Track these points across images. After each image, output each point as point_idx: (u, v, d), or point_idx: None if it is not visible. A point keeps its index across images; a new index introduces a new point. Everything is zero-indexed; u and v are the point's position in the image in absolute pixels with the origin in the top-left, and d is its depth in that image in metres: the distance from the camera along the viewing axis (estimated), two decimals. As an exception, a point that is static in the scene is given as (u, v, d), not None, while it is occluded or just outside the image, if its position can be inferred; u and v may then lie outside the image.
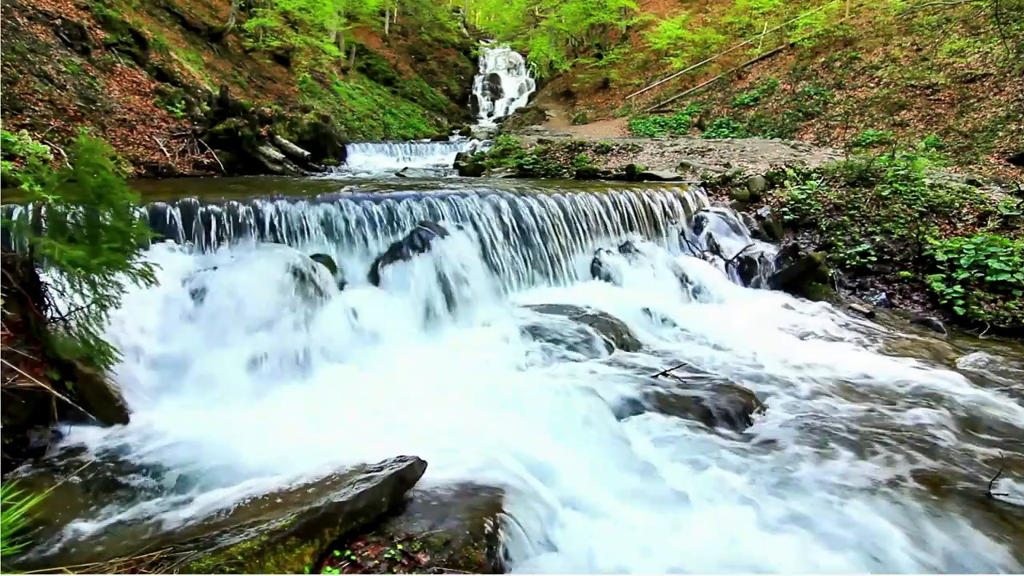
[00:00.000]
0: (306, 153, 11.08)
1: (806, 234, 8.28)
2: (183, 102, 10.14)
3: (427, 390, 4.12)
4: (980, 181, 9.41)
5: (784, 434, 3.83)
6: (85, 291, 3.29)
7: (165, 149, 9.04)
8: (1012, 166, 11.96)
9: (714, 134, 17.49)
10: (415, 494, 2.83)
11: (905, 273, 7.32)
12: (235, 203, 5.21)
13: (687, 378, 4.55)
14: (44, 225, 3.41)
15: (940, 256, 7.07)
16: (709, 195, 8.99)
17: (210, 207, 5.08)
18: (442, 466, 3.03)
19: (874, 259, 7.53)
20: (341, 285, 5.13)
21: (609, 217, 7.43)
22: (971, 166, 12.05)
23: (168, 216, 4.89)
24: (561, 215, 6.96)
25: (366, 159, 13.62)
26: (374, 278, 5.43)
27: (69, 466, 3.11)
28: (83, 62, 9.03)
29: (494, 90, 30.20)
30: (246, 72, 16.82)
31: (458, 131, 22.51)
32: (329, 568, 2.36)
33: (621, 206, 7.62)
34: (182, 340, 4.18)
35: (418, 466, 2.90)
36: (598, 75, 25.15)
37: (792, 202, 8.57)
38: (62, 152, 7.25)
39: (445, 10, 32.73)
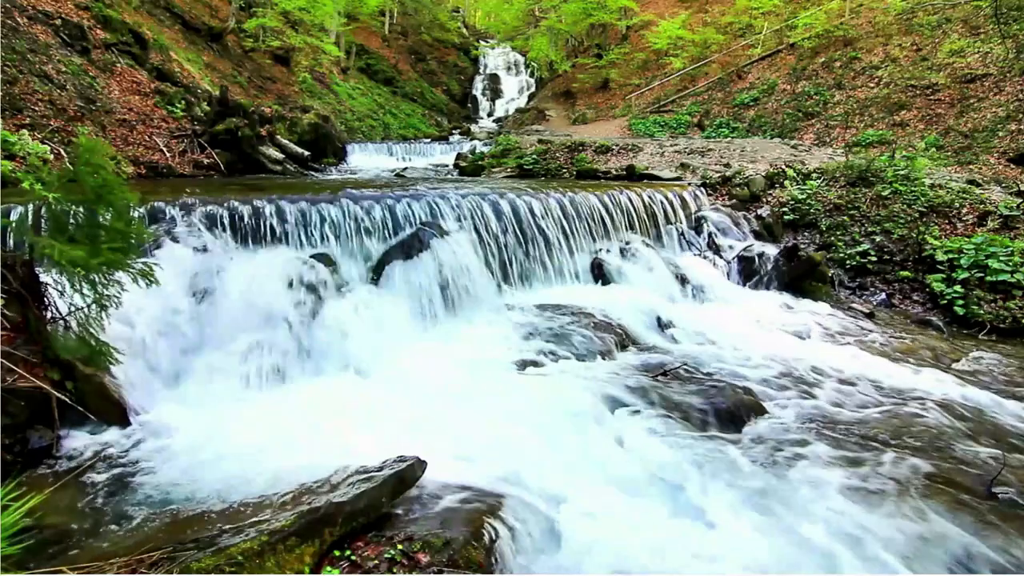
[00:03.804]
0: (306, 153, 11.08)
1: (806, 234, 8.28)
2: (183, 102, 10.14)
3: (427, 390, 4.12)
4: (980, 181, 9.41)
5: (783, 434, 3.83)
6: (85, 291, 3.29)
7: (165, 149, 9.04)
8: (1012, 166, 11.96)
9: (714, 134, 17.49)
10: (415, 494, 2.83)
11: (905, 273, 7.32)
12: (235, 203, 5.21)
13: (686, 378, 4.55)
14: (44, 225, 3.41)
15: (940, 256, 7.06)
16: (709, 195, 8.99)
17: (210, 207, 5.08)
18: (442, 466, 3.03)
19: (874, 259, 7.53)
20: (341, 285, 5.13)
21: (609, 217, 7.43)
22: (971, 166, 12.04)
23: (168, 215, 4.89)
24: (561, 215, 6.96)
25: (366, 159, 13.62)
26: (374, 278, 5.43)
27: (69, 466, 3.11)
28: (83, 62, 9.03)
29: (494, 90, 30.20)
30: (246, 72, 16.82)
31: (458, 131, 22.50)
32: (329, 568, 2.36)
33: (621, 206, 7.62)
34: (183, 340, 4.18)
35: (418, 466, 2.90)
36: (598, 75, 25.15)
37: (792, 202, 8.56)
38: (62, 152, 7.25)
39: (445, 10, 32.72)
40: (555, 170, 11.08)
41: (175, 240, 4.77)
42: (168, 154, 9.01)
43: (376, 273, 5.46)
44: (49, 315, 3.45)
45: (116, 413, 3.52)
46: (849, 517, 2.94)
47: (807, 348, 5.53)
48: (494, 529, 2.63)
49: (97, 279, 3.28)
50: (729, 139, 15.01)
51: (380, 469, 2.81)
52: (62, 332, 3.40)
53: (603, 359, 4.96)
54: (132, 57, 10.32)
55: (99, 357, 3.42)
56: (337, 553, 2.44)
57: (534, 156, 11.42)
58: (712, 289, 7.01)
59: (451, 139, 18.79)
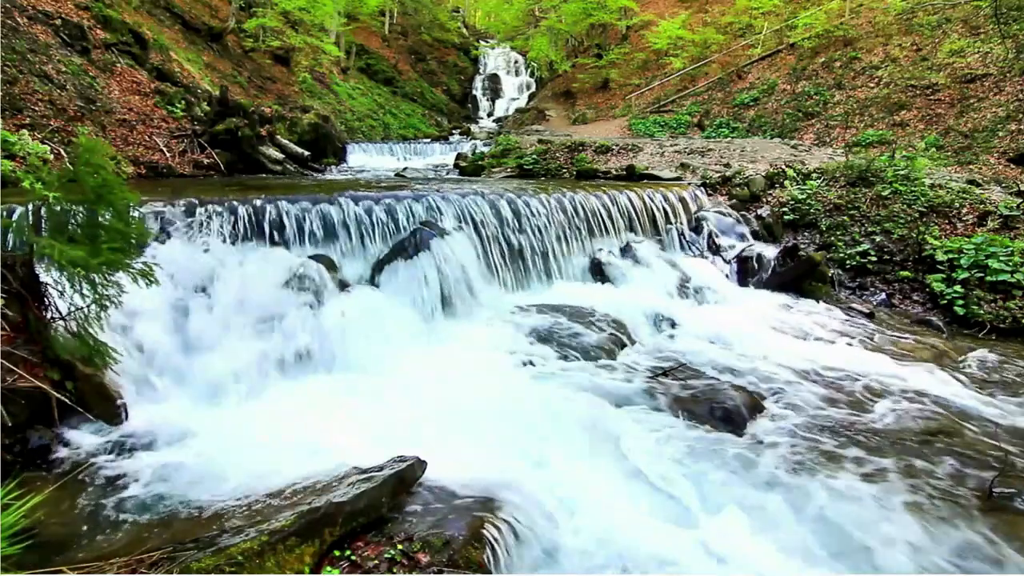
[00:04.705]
0: (306, 153, 11.08)
1: (806, 234, 8.28)
2: (183, 102, 10.14)
3: (426, 391, 4.12)
4: (980, 181, 9.41)
5: (784, 434, 3.83)
6: (85, 291, 3.29)
7: (165, 149, 9.04)
8: (1012, 166, 11.96)
9: (714, 134, 17.49)
10: (415, 494, 2.84)
11: (905, 273, 7.32)
12: (235, 203, 5.20)
13: (687, 378, 4.55)
14: (44, 225, 3.41)
15: (940, 256, 7.06)
16: (709, 195, 8.99)
17: (210, 207, 5.08)
18: (442, 466, 3.03)
19: (874, 259, 7.53)
20: (341, 285, 5.13)
21: (609, 217, 7.42)
22: (971, 166, 12.04)
23: (168, 215, 4.89)
24: (561, 215, 6.95)
25: (366, 159, 13.62)
26: (374, 278, 5.43)
27: (69, 466, 3.11)
28: (83, 62, 9.03)
29: (494, 90, 30.19)
30: (246, 72, 16.82)
31: (458, 131, 22.51)
32: (329, 568, 2.36)
33: (621, 206, 7.61)
34: (182, 340, 4.18)
35: (418, 466, 2.90)
36: (598, 75, 25.15)
37: (792, 202, 8.56)
38: (62, 152, 7.25)
39: (445, 10, 32.73)
40: (555, 170, 11.08)
41: (175, 240, 4.77)
42: (168, 154, 9.01)
43: (376, 273, 5.46)
44: (49, 315, 3.44)
45: (115, 413, 3.52)
46: (848, 517, 2.94)
47: (807, 348, 5.53)
48: (494, 529, 2.63)
49: (97, 279, 3.28)
50: (729, 139, 15.01)
51: (380, 469, 2.81)
52: (62, 332, 3.40)
53: (603, 359, 4.96)
54: (132, 57, 10.32)
55: (98, 357, 3.42)
56: (337, 553, 2.44)
57: (534, 156, 11.42)
58: (712, 289, 7.00)
59: (451, 139, 18.79)
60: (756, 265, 7.52)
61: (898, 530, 2.85)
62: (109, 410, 3.51)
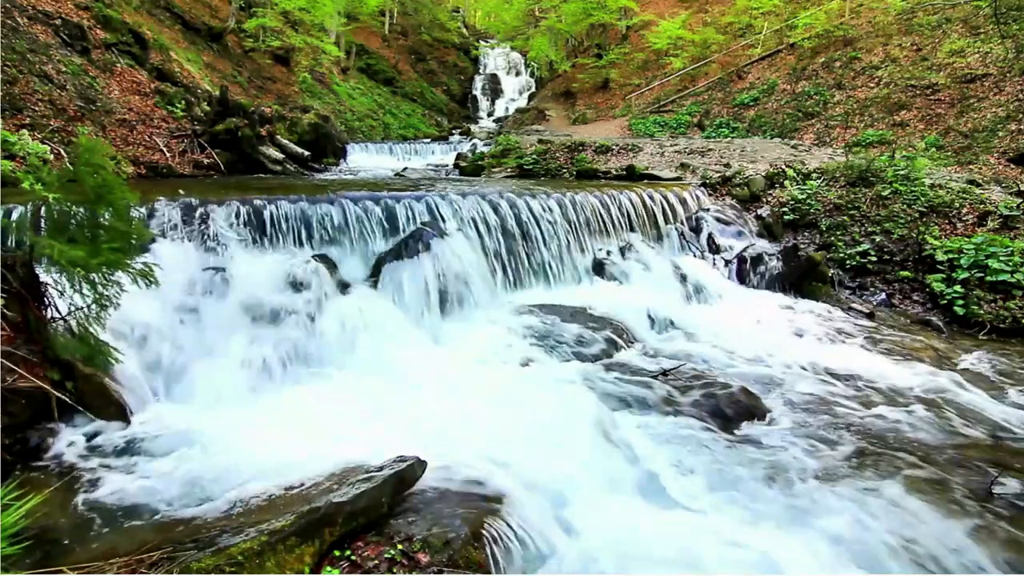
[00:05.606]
0: (306, 153, 11.07)
1: (806, 234, 8.28)
2: (183, 102, 10.13)
3: (427, 391, 4.12)
4: (980, 181, 9.41)
5: (783, 434, 3.83)
6: (85, 291, 3.29)
7: (165, 149, 9.04)
8: (1012, 166, 11.96)
9: (714, 134, 17.48)
10: (415, 494, 2.83)
11: (905, 273, 7.32)
12: (236, 203, 5.21)
13: (687, 379, 4.55)
14: (44, 225, 3.41)
15: (940, 256, 7.06)
16: (709, 195, 8.99)
17: (210, 207, 5.08)
18: (442, 466, 3.03)
19: (874, 259, 7.53)
20: (341, 286, 5.13)
21: (609, 217, 7.42)
22: (971, 166, 12.04)
23: (169, 215, 4.89)
24: (561, 215, 6.95)
25: (366, 159, 13.63)
26: (374, 279, 5.43)
27: (69, 466, 3.11)
28: (83, 62, 9.03)
29: (494, 90, 30.19)
30: (246, 72, 16.81)
31: (458, 131, 22.49)
32: (329, 568, 2.36)
33: (621, 206, 7.61)
34: (183, 340, 4.18)
35: (418, 466, 2.90)
36: (598, 75, 25.15)
37: (792, 202, 8.56)
38: (62, 152, 7.24)
39: (445, 10, 32.73)
40: (555, 170, 11.08)
41: (176, 240, 4.78)
42: (168, 154, 9.00)
43: (376, 274, 5.45)
44: (49, 315, 3.45)
45: (116, 413, 3.52)
46: (849, 518, 2.94)
47: (807, 348, 5.53)
48: (494, 529, 2.63)
49: (97, 279, 3.28)
50: (729, 139, 15.00)
51: (380, 469, 2.81)
52: (62, 332, 3.40)
53: (604, 359, 4.96)
54: (132, 57, 10.32)
55: (99, 357, 3.42)
56: (337, 553, 2.44)
57: (534, 156, 11.41)
58: (712, 289, 7.01)
59: (451, 139, 18.78)
60: (756, 265, 7.52)
61: (894, 528, 2.85)
62: (110, 410, 3.51)
